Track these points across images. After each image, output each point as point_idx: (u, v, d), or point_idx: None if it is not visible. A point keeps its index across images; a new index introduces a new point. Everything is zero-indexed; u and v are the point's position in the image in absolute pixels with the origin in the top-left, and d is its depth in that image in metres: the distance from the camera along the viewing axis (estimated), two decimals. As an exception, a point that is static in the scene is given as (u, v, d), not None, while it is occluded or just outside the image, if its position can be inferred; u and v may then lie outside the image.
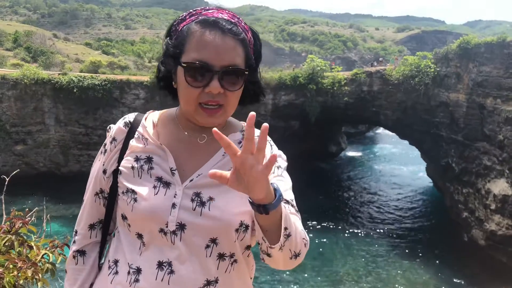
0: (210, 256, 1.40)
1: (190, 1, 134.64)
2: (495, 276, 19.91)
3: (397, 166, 39.85)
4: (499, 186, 20.73)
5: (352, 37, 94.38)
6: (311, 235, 24.76)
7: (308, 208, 27.60)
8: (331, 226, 26.05)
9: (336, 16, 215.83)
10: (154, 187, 1.39)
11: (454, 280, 20.37)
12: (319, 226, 25.88)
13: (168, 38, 1.43)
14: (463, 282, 20.19)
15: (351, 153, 44.84)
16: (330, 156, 39.70)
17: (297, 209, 1.54)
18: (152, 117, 1.55)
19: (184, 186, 1.39)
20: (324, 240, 24.43)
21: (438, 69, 25.94)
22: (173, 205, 1.37)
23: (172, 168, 1.41)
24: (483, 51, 22.80)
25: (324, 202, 29.73)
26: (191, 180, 1.40)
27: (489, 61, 22.27)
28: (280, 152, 1.66)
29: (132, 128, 1.52)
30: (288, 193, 1.49)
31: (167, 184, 1.40)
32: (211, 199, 1.38)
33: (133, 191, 1.40)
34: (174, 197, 1.38)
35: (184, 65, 1.33)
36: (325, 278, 20.59)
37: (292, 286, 19.90)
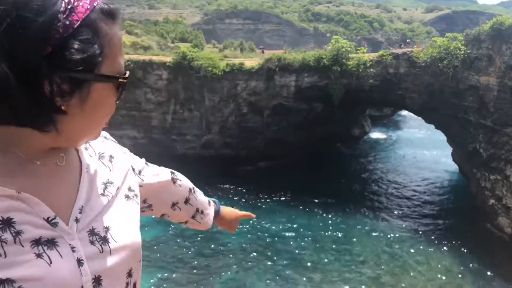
0: None
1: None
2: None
3: (421, 151, 39.07)
4: (529, 174, 20.05)
5: (379, 17, 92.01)
6: (332, 217, 24.69)
7: (330, 191, 27.45)
8: (352, 210, 25.85)
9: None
10: (38, 256, 0.97)
11: (477, 267, 19.99)
12: (341, 209, 25.71)
13: (45, 38, 0.90)
14: (486, 270, 19.79)
15: (374, 136, 44.21)
16: (353, 140, 39.21)
17: (171, 170, 1.76)
18: None
19: (76, 232, 1.07)
20: (346, 223, 24.29)
21: (468, 51, 25.01)
22: (80, 262, 1.04)
23: (49, 217, 1.03)
24: (518, 33, 21.81)
25: (346, 186, 29.49)
26: (76, 221, 1.09)
27: (523, 43, 21.31)
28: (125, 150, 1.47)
29: None
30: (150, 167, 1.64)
31: (52, 243, 1.01)
32: (107, 228, 1.14)
33: (10, 281, 0.92)
34: (73, 252, 1.04)
35: (122, 80, 1.05)
36: (345, 261, 20.53)
37: (312, 266, 19.91)
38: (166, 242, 21.65)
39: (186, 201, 1.77)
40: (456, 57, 25.30)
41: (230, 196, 27.30)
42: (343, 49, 29.40)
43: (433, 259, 20.81)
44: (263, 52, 38.43)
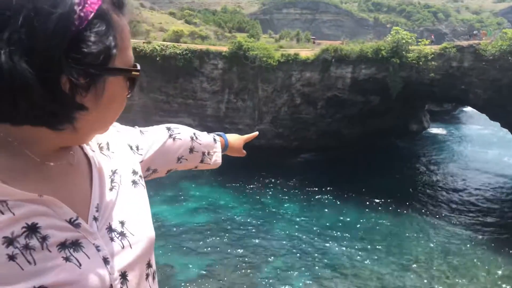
0: (153, 283, 1.25)
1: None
2: None
3: (484, 150, 36.97)
4: None
5: (444, 7, 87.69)
6: (384, 214, 24.04)
7: (383, 188, 26.71)
8: (405, 208, 25.01)
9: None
10: (67, 259, 0.96)
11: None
12: (393, 207, 24.96)
13: (60, 31, 0.85)
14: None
15: (433, 132, 42.42)
16: (410, 135, 37.88)
17: (167, 127, 1.71)
18: None
19: (97, 231, 1.07)
20: (397, 221, 23.57)
21: (543, 44, 23.19)
22: (106, 261, 1.04)
23: (72, 219, 1.01)
24: None
25: (400, 182, 28.55)
26: (95, 219, 1.08)
27: None
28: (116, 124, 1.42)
29: None
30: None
31: (77, 245, 1.00)
32: (122, 223, 1.14)
33: None
34: (98, 251, 1.04)
35: (135, 73, 1.02)
36: (395, 261, 19.92)
37: (361, 262, 19.54)
38: (216, 229, 22.08)
39: (191, 150, 1.75)
40: (529, 51, 23.56)
41: (280, 187, 27.32)
42: (403, 41, 28.28)
43: (491, 262, 19.71)
44: (314, 42, 37.99)
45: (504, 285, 18.12)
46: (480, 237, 22.06)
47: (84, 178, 1.13)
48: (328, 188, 27.19)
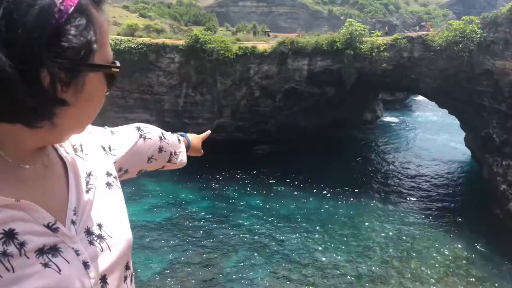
0: (131, 285, 1.26)
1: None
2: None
3: (434, 135, 38.78)
4: (542, 160, 19.84)
5: (395, 0, 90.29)
6: (342, 201, 24.81)
7: (340, 176, 27.53)
8: (363, 194, 25.92)
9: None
10: (45, 265, 0.94)
11: (486, 252, 20.01)
12: (351, 194, 25.81)
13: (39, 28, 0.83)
14: (495, 256, 19.80)
15: (387, 120, 43.93)
16: (365, 124, 39.07)
17: (136, 126, 1.70)
18: None
19: (76, 234, 1.05)
20: (356, 207, 24.40)
21: (484, 34, 24.51)
22: (86, 265, 1.03)
23: (50, 223, 0.99)
24: (536, 16, 21.32)
25: (357, 170, 29.52)
26: (73, 223, 1.06)
27: (541, 27, 20.84)
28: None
29: None
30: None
31: (56, 250, 0.98)
32: (99, 226, 1.13)
33: None
34: (78, 255, 1.02)
35: (114, 69, 1.01)
36: (355, 245, 20.69)
37: (320, 252, 20.13)
38: (177, 224, 22.05)
39: (160, 150, 1.74)
40: (472, 41, 24.83)
41: (241, 179, 27.56)
42: (357, 33, 29.07)
43: (442, 244, 20.86)
44: (269, 35, 38.22)
45: (453, 265, 19.27)
46: (431, 220, 23.25)
47: (60, 180, 1.10)
48: (287, 179, 27.70)
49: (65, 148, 1.18)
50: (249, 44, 31.53)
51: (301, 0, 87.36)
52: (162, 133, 1.80)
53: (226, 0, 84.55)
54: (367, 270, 18.73)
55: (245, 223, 22.60)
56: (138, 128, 1.67)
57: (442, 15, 73.21)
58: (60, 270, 0.96)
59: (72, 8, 0.88)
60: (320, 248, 20.49)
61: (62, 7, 0.86)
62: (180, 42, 31.20)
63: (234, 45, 31.20)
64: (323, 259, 19.56)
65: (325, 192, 26.11)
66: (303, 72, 29.98)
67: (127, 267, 1.22)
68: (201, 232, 21.45)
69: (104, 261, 1.10)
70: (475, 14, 35.69)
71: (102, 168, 1.27)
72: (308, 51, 29.57)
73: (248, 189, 26.65)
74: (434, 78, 27.25)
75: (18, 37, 0.80)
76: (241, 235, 21.44)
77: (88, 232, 1.09)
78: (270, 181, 27.63)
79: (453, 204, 25.04)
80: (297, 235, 21.66)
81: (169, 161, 1.84)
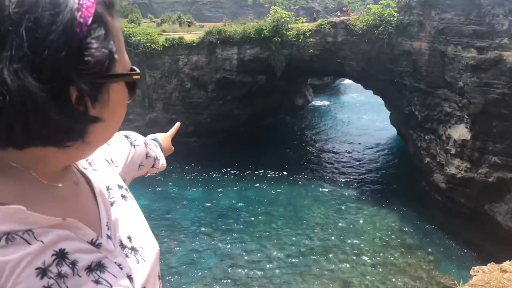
0: None
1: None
2: (453, 216, 21.17)
3: (361, 116, 40.67)
4: (458, 132, 21.57)
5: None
6: (280, 186, 25.36)
7: (277, 162, 28.07)
8: (299, 179, 26.66)
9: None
10: (97, 282, 0.93)
11: (417, 223, 21.55)
12: (288, 179, 26.43)
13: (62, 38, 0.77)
14: (425, 225, 21.39)
15: (317, 104, 45.31)
16: (297, 109, 40.00)
17: (124, 134, 1.66)
18: None
19: (118, 249, 1.05)
20: (294, 192, 25.05)
21: (401, 17, 25.98)
22: (130, 279, 1.03)
23: (93, 239, 0.98)
24: (445, -2, 22.91)
25: (292, 155, 30.24)
26: (109, 237, 1.05)
27: (450, 8, 22.46)
28: None
29: None
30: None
31: (102, 266, 0.97)
32: (129, 238, 1.12)
33: None
34: (121, 269, 1.02)
35: (135, 76, 0.96)
36: (295, 228, 21.31)
37: (264, 237, 20.50)
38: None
39: (147, 156, 1.73)
40: (390, 24, 26.22)
41: (180, 173, 27.17)
42: (283, 20, 29.52)
43: (377, 219, 22.12)
44: (189, 26, 37.67)
45: (388, 237, 20.52)
46: (365, 197, 24.51)
47: (88, 196, 1.08)
48: (226, 169, 27.77)
49: (82, 164, 1.14)
50: (176, 35, 30.91)
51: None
52: (145, 140, 1.78)
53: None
54: (309, 248, 19.43)
55: (188, 216, 22.41)
56: (127, 137, 1.64)
57: (360, 0, 76.31)
58: (111, 286, 0.95)
59: (91, 19, 0.82)
60: (263, 233, 20.87)
61: (81, 20, 0.80)
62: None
63: (160, 36, 30.44)
64: (267, 242, 19.98)
65: (263, 179, 26.52)
66: (233, 61, 29.98)
67: (159, 277, 1.22)
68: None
69: (142, 273, 1.09)
70: (391, -2, 37.61)
71: (114, 181, 1.25)
72: (237, 40, 29.58)
73: (188, 182, 26.38)
74: (357, 61, 28.48)
75: (45, 59, 0.74)
76: (184, 228, 21.26)
77: (122, 246, 1.08)
78: (210, 172, 27.54)
79: (383, 180, 26.54)
80: (240, 222, 21.88)
81: (153, 166, 1.82)
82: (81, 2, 0.81)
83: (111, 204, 1.14)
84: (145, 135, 1.90)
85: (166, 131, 2.23)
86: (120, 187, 1.25)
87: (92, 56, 0.80)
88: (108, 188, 1.18)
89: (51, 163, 0.92)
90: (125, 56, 0.95)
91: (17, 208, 0.82)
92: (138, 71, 0.98)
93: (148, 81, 29.85)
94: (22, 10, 0.75)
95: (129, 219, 1.17)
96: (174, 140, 2.36)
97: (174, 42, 29.59)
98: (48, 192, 0.93)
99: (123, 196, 1.23)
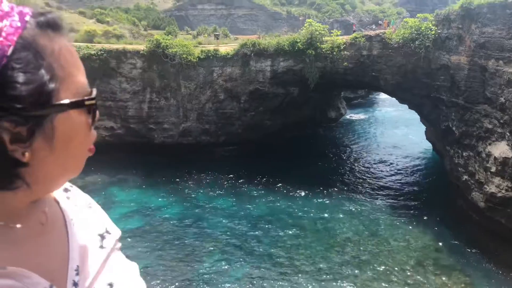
0: None
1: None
2: (492, 237, 20.28)
3: (395, 130, 39.91)
4: (499, 149, 20.76)
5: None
6: (311, 199, 25.09)
7: (308, 174, 27.84)
8: (331, 191, 26.31)
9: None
10: None
11: (453, 242, 20.76)
12: (320, 192, 26.13)
13: None
14: (462, 245, 20.58)
15: (350, 118, 44.83)
16: (329, 122, 39.71)
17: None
18: None
19: None
20: (325, 205, 24.72)
21: (439, 31, 25.47)
22: None
23: None
24: (486, 12, 22.30)
25: (324, 168, 29.94)
26: (75, 285, 0.94)
27: (491, 22, 21.83)
28: None
29: None
30: None
31: None
32: (111, 285, 1.02)
33: None
34: None
35: (88, 102, 0.87)
36: (326, 242, 20.96)
37: (294, 248, 20.27)
38: (149, 231, 21.65)
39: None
40: (428, 38, 25.74)
41: (211, 183, 27.37)
42: (317, 33, 29.53)
43: (411, 236, 21.47)
44: (217, 38, 38.23)
45: (422, 256, 19.87)
46: (399, 214, 23.87)
47: (61, 237, 0.98)
48: (257, 180, 27.76)
49: (74, 202, 1.07)
50: (211, 47, 31.42)
51: (259, 1, 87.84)
52: None
53: (184, 4, 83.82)
54: (339, 264, 19.04)
55: (218, 226, 22.47)
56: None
57: (396, 13, 75.45)
58: None
59: (11, 48, 0.72)
60: (293, 246, 20.64)
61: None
62: (141, 47, 30.68)
63: (196, 48, 31.01)
64: (297, 257, 19.72)
65: (294, 191, 26.33)
66: (266, 73, 30.16)
67: None
68: (174, 237, 21.16)
69: None
70: (428, 11, 37.09)
71: (108, 226, 1.16)
72: (270, 52, 29.78)
73: (219, 191, 26.52)
74: (393, 74, 28.04)
75: None
76: (214, 238, 21.31)
77: None
78: (240, 182, 27.60)
79: (418, 197, 25.82)
80: (270, 233, 21.74)
81: None
82: None
83: (101, 246, 1.04)
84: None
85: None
86: (108, 232, 1.13)
87: (15, 91, 0.71)
88: (106, 232, 1.10)
89: (6, 203, 0.83)
90: (75, 80, 0.85)
91: None
92: (92, 95, 0.88)
93: (183, 92, 30.39)
94: None
95: (119, 266, 1.07)
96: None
97: (209, 54, 30.10)
98: (2, 234, 0.84)
99: (119, 248, 1.14)
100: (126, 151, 28.53)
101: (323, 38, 29.69)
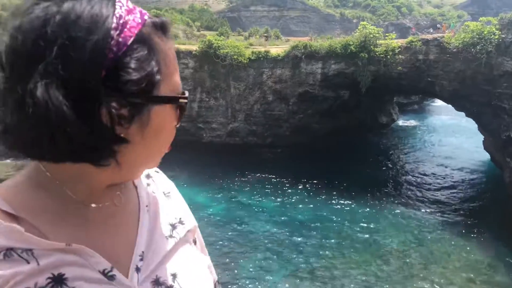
0: None
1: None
2: (556, 258, 18.86)
3: (451, 138, 38.19)
4: None
5: (407, 2, 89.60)
6: (357, 206, 24.47)
7: (356, 180, 27.18)
8: (380, 199, 25.55)
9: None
10: None
11: (510, 260, 19.49)
12: (368, 199, 25.45)
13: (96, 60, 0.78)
14: (520, 263, 19.28)
15: (403, 124, 43.45)
16: (380, 127, 38.64)
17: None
18: None
19: (138, 284, 0.95)
20: (373, 213, 24.04)
21: (503, 35, 24.06)
22: None
23: (106, 269, 0.90)
24: (557, 16, 20.83)
25: (373, 174, 29.14)
26: (137, 270, 0.96)
27: (563, 27, 20.33)
28: None
29: None
30: None
31: None
32: (174, 276, 1.02)
33: None
34: None
35: (182, 100, 0.94)
36: (372, 252, 20.34)
37: (337, 257, 19.83)
38: (193, 229, 21.95)
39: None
40: (490, 42, 24.37)
41: (256, 183, 27.40)
42: (371, 36, 28.79)
43: (463, 250, 20.39)
44: (266, 39, 38.17)
45: (475, 272, 18.80)
46: (451, 226, 22.77)
47: (131, 222, 1.03)
48: (302, 184, 27.47)
49: (152, 188, 1.14)
50: (262, 49, 31.48)
51: (312, 3, 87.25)
52: None
53: (237, 5, 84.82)
54: (386, 276, 18.38)
55: (261, 227, 22.42)
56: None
57: (456, 17, 72.39)
58: None
59: (132, 38, 0.82)
60: (337, 254, 20.19)
61: (120, 39, 0.81)
62: (194, 47, 31.27)
63: (247, 49, 31.18)
64: (340, 265, 19.25)
65: (340, 196, 25.80)
66: (316, 76, 29.79)
67: None
68: (217, 236, 21.32)
69: None
70: (491, 14, 35.20)
71: (183, 217, 1.21)
72: (322, 54, 29.39)
73: (263, 193, 26.48)
74: (450, 80, 26.81)
75: (73, 75, 0.75)
76: (257, 240, 21.27)
77: (157, 282, 0.98)
78: (286, 186, 27.41)
79: (473, 210, 24.52)
80: (314, 240, 21.40)
81: None
82: (122, 21, 0.82)
83: (170, 236, 1.08)
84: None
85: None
86: (181, 222, 1.18)
87: (127, 76, 0.81)
88: (178, 223, 1.14)
89: (89, 181, 0.90)
90: (174, 79, 0.93)
91: (14, 227, 0.80)
92: (186, 95, 0.97)
93: (233, 92, 30.65)
94: (60, 29, 0.76)
95: (187, 258, 1.09)
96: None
97: (260, 56, 30.17)
98: (76, 211, 0.91)
99: (195, 241, 1.21)
100: (174, 149, 29.10)
101: (377, 41, 28.91)
